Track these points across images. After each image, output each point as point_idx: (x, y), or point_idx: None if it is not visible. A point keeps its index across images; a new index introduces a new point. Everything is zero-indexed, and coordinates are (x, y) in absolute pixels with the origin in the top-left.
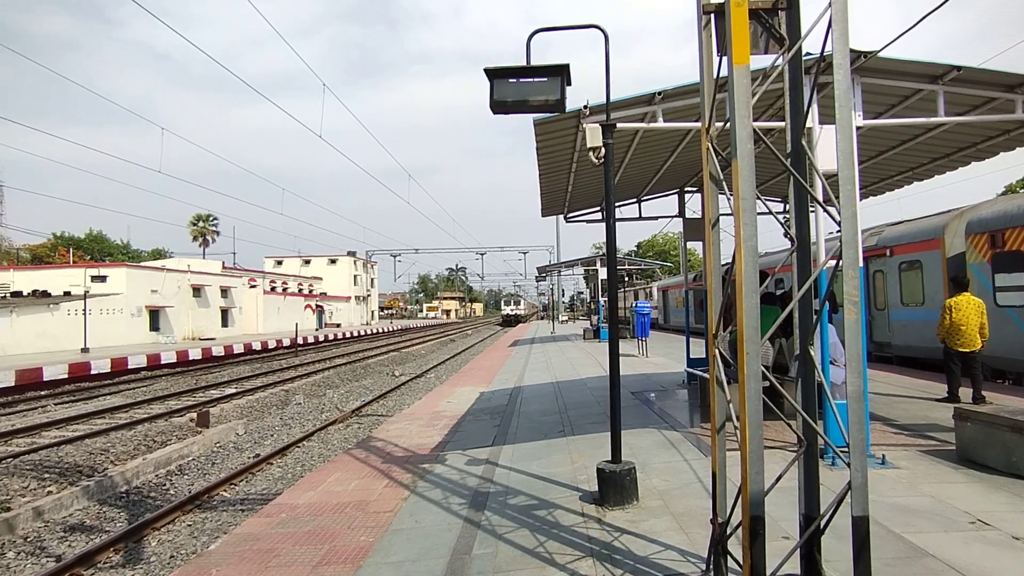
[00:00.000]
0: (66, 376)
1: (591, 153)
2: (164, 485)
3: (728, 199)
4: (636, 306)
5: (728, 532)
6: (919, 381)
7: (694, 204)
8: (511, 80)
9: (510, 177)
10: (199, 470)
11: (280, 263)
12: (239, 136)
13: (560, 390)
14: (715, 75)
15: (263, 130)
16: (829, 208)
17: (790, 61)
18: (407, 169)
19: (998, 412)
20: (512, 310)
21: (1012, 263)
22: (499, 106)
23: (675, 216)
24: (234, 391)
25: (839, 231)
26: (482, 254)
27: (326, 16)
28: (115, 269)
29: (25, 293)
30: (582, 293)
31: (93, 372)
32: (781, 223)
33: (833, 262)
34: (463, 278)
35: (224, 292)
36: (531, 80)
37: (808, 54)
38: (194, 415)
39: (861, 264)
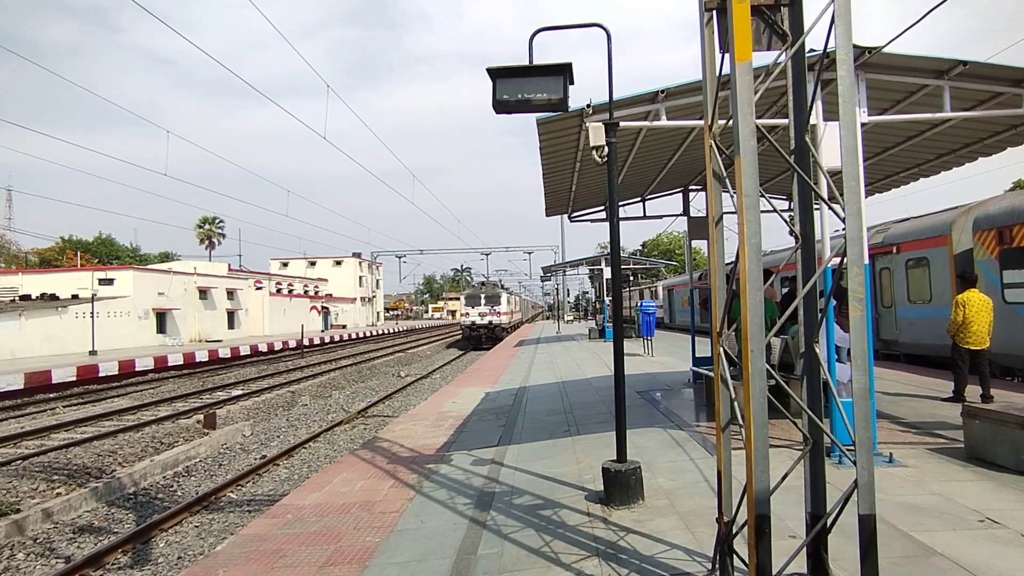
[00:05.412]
0: (74, 378)
1: (594, 152)
2: (171, 486)
3: (732, 197)
4: (641, 305)
5: (734, 531)
6: (926, 379)
7: (699, 203)
8: (514, 80)
9: (514, 177)
10: (206, 471)
11: (286, 265)
12: (243, 139)
13: (565, 390)
14: (718, 72)
15: (267, 133)
16: (834, 205)
17: (793, 57)
18: (411, 170)
19: (1007, 409)
20: (481, 314)
21: (1021, 259)
22: (502, 106)
23: (679, 215)
24: (240, 393)
25: (844, 228)
26: (487, 254)
27: (327, 19)
28: (122, 272)
29: (33, 296)
30: (587, 293)
31: (101, 374)
32: (786, 220)
33: (838, 259)
34: (468, 279)
35: (230, 294)
36: (534, 79)
37: (811, 50)
38: (201, 417)
39: (867, 261)
